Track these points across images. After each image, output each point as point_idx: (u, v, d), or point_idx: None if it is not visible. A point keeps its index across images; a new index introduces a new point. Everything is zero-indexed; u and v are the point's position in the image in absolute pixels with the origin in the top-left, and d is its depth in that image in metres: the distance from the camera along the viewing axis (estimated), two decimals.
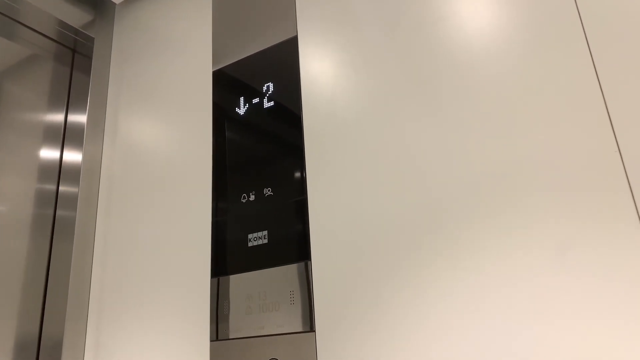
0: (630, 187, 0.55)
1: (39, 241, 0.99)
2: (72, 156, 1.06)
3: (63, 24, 1.11)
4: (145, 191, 0.98)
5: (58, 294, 0.96)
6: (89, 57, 1.13)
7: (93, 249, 1.02)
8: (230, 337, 0.76)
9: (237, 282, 0.79)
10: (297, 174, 0.79)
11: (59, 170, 1.05)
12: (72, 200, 1.02)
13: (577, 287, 0.55)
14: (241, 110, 0.89)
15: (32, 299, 0.95)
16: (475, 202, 0.63)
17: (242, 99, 0.90)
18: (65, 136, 1.08)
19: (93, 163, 1.07)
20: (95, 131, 1.09)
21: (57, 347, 0.92)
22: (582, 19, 0.63)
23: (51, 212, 1.02)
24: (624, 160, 0.56)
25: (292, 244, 0.76)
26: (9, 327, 0.92)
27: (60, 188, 1.04)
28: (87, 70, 1.13)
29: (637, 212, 0.54)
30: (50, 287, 0.97)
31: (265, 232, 0.78)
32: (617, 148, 0.57)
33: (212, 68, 0.96)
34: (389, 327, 0.64)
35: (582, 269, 0.55)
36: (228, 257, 0.82)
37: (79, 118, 1.09)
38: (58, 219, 1.02)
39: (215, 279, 0.81)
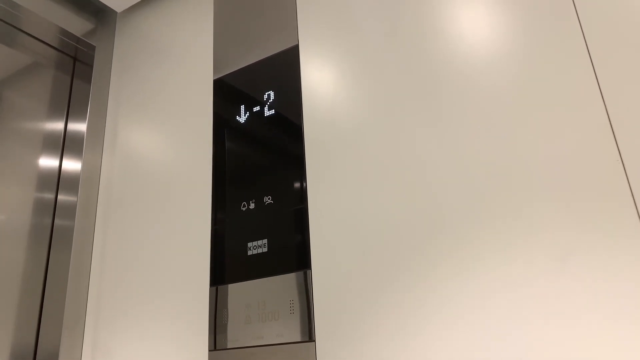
0: (632, 194, 0.55)
1: (37, 250, 0.98)
2: (72, 165, 1.06)
3: (64, 32, 1.11)
4: (144, 200, 0.98)
5: (55, 304, 0.95)
6: (89, 66, 1.14)
7: (91, 259, 1.01)
8: (228, 347, 0.75)
9: (236, 291, 0.78)
10: (298, 182, 0.78)
11: (58, 179, 1.05)
12: (71, 209, 1.02)
13: (579, 294, 0.54)
14: (242, 119, 0.89)
15: (29, 308, 0.94)
16: (476, 209, 0.63)
17: (242, 107, 0.90)
18: (64, 145, 1.08)
19: (92, 172, 1.07)
20: (95, 140, 1.09)
21: (54, 357, 0.91)
22: (582, 26, 0.63)
23: (49, 221, 1.01)
24: (626, 168, 0.56)
25: (292, 253, 0.75)
26: (5, 336, 0.91)
27: (59, 197, 1.04)
28: (87, 79, 1.13)
29: (639, 219, 0.54)
30: (47, 297, 0.96)
31: (265, 241, 0.78)
32: (619, 157, 0.56)
33: (213, 77, 0.96)
34: (389, 336, 0.63)
35: (584, 275, 0.54)
36: (227, 265, 0.81)
37: (78, 126, 1.09)
38: (56, 228, 1.01)
39: (214, 288, 0.80)
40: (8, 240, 0.96)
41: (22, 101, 1.06)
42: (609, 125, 0.58)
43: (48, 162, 1.06)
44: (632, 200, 0.54)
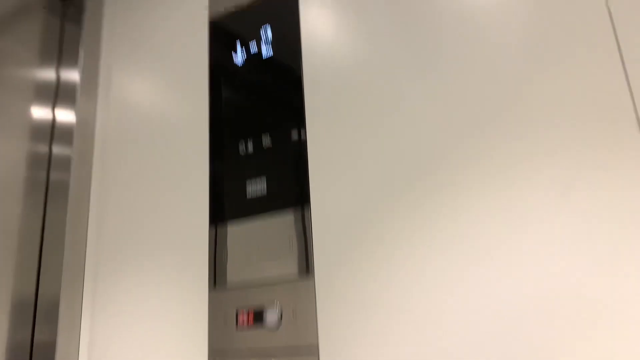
0: (639, 125, 0.54)
1: (33, 203, 0.97)
2: (65, 115, 1.03)
3: None
4: (141, 147, 0.97)
5: (54, 253, 0.95)
6: (80, 7, 1.10)
7: (88, 208, 1.00)
8: (228, 285, 0.76)
9: (235, 230, 0.78)
10: (297, 123, 0.77)
11: (52, 131, 1.03)
12: (66, 160, 1.00)
13: (581, 228, 0.54)
14: (239, 61, 0.87)
15: (28, 259, 0.94)
16: (475, 141, 0.62)
17: (239, 48, 0.88)
18: (57, 93, 1.05)
19: (87, 121, 1.04)
20: (89, 87, 1.06)
21: (54, 306, 0.91)
22: None
23: (44, 173, 1.00)
24: (634, 97, 0.54)
25: (290, 190, 0.75)
26: (5, 288, 0.91)
27: (53, 148, 1.02)
28: (79, 22, 1.09)
29: None
30: (46, 247, 0.96)
31: (264, 179, 0.77)
32: (628, 88, 0.55)
33: (209, 18, 0.94)
34: (388, 271, 0.63)
35: (586, 209, 0.54)
36: (226, 205, 0.81)
37: (71, 74, 1.06)
38: (52, 180, 1.00)
39: (214, 228, 0.80)
40: (3, 194, 0.94)
41: (10, 47, 1.03)
42: (618, 50, 0.56)
43: (41, 112, 1.03)
44: (639, 131, 0.53)
